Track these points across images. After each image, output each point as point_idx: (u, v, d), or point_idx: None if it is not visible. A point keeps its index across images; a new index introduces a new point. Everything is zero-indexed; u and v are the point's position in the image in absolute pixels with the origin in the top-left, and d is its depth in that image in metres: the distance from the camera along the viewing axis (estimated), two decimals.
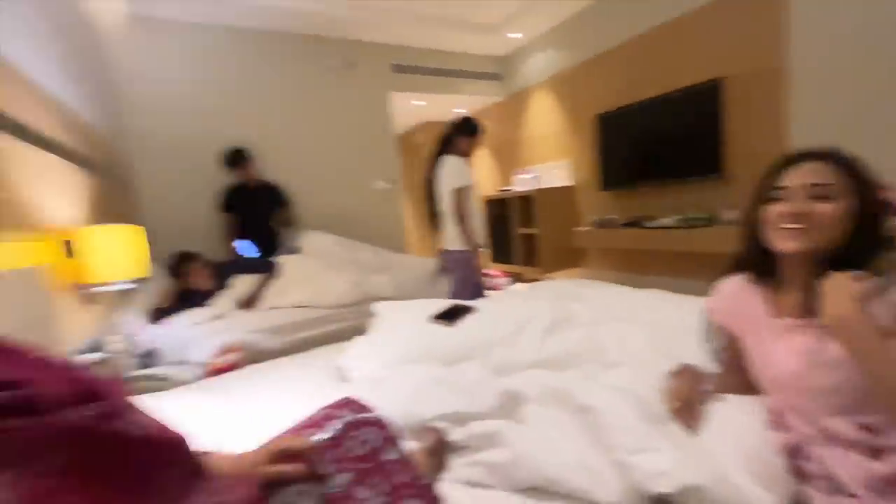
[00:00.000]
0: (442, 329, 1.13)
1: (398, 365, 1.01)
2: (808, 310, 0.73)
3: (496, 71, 4.58)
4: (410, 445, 0.76)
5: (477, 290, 2.42)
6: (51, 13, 1.78)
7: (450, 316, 1.19)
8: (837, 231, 0.69)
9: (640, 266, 3.45)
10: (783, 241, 0.72)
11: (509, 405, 0.80)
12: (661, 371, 0.91)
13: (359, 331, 2.02)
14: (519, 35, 3.97)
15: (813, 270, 0.72)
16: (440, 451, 0.79)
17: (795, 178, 0.72)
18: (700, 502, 0.59)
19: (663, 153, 3.03)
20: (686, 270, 3.11)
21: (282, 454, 0.62)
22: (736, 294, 0.84)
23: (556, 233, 3.88)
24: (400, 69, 3.99)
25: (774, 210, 0.73)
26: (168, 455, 0.47)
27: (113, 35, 2.88)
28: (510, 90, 4.58)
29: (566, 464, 0.68)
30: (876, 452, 0.64)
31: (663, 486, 0.60)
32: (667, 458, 0.63)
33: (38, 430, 0.36)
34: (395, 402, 0.84)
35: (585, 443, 0.72)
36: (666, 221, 2.94)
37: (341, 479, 0.63)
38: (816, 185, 0.70)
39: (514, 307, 1.28)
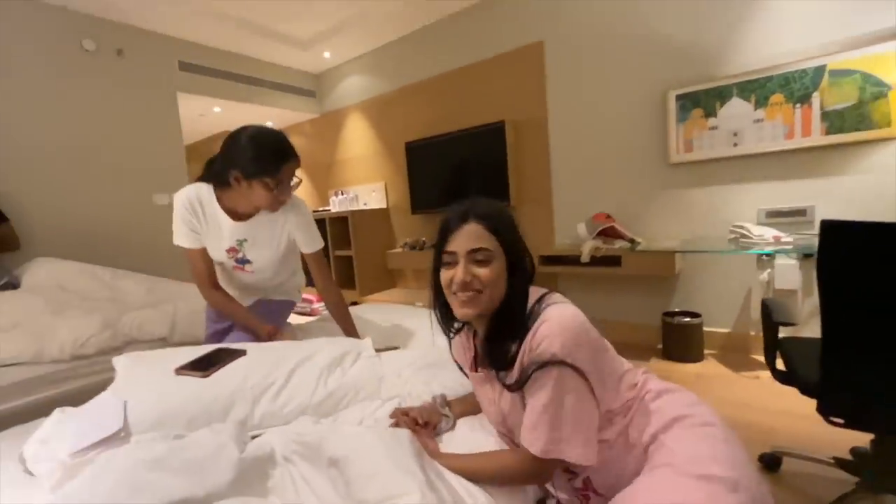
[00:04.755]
0: (190, 383, 0.91)
1: (101, 446, 0.75)
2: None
3: (310, 87, 4.40)
4: None
5: None
6: None
7: (203, 364, 0.97)
8: (499, 290, 0.75)
9: None
10: (459, 308, 0.76)
11: (252, 475, 0.66)
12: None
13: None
14: (327, 55, 3.89)
15: (487, 325, 0.78)
16: None
17: (459, 244, 0.76)
18: None
19: (462, 181, 3.34)
20: None
21: None
22: (461, 339, 0.91)
23: (372, 255, 3.87)
24: (189, 68, 3.44)
25: (447, 276, 0.77)
26: None
27: None
28: (325, 109, 4.46)
29: None
30: (571, 472, 0.76)
31: None
32: (412, 500, 0.59)
33: None
34: None
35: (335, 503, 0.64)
36: None
37: None
38: (476, 250, 0.74)
39: (295, 345, 1.14)
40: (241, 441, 0.72)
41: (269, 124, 4.65)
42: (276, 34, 3.48)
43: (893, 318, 1.06)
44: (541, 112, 2.99)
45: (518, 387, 0.71)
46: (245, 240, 1.38)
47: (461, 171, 3.33)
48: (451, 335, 0.88)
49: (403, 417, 0.87)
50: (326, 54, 3.87)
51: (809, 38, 2.10)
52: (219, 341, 1.52)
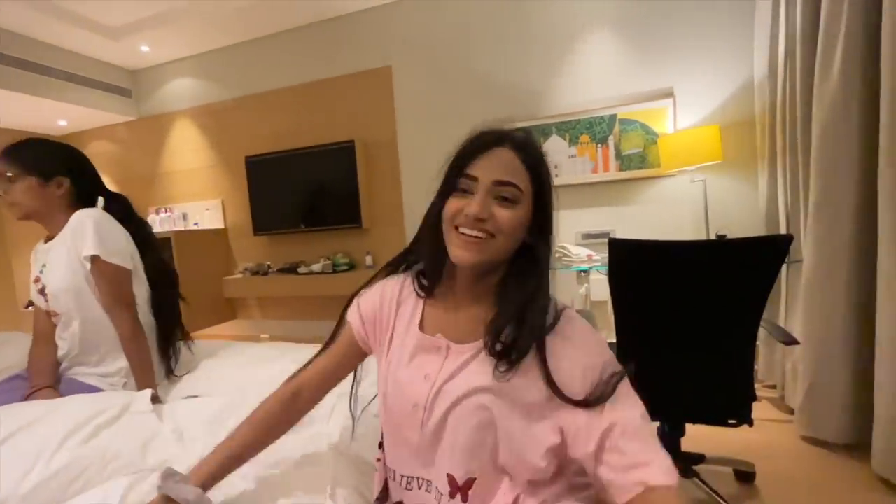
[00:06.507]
0: None
1: None
2: (470, 331, 0.62)
3: (124, 85, 3.69)
4: None
5: None
6: None
7: None
8: (512, 242, 0.60)
9: (297, 312, 3.39)
10: (457, 248, 0.59)
11: None
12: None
13: None
14: (146, 49, 3.33)
15: (497, 289, 0.63)
16: None
17: (485, 169, 0.59)
18: None
19: (312, 200, 3.13)
20: (334, 314, 3.25)
21: None
22: (386, 292, 0.71)
23: (204, 282, 3.33)
24: None
25: (456, 205, 0.59)
26: None
27: None
28: (144, 112, 3.78)
29: None
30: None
31: None
32: None
33: None
34: None
35: None
36: (316, 267, 3.00)
37: None
38: (503, 183, 0.58)
39: (21, 408, 0.83)
40: None
41: (61, 123, 3.76)
42: (70, 13, 2.83)
43: (665, 320, 1.26)
44: (390, 134, 3.00)
45: (588, 402, 0.55)
46: (45, 265, 1.13)
47: (310, 189, 3.12)
48: (422, 294, 0.67)
49: None
50: (144, 48, 3.30)
51: (606, 91, 2.53)
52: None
